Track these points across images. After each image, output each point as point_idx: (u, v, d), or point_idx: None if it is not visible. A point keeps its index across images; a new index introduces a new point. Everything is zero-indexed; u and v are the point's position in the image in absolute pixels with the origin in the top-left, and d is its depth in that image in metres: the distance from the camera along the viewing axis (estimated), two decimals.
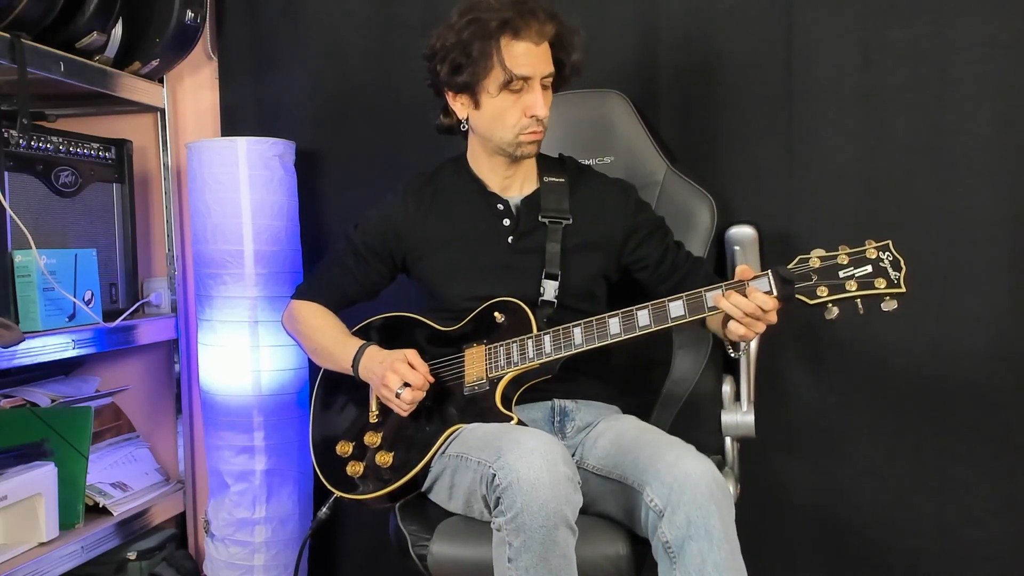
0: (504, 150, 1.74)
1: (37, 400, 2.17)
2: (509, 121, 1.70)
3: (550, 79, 1.71)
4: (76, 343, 2.00)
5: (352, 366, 1.73)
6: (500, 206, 1.80)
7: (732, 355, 1.70)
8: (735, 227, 1.97)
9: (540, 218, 1.78)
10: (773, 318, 1.52)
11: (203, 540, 2.35)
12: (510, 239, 1.79)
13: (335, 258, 1.88)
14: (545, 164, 1.85)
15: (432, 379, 1.68)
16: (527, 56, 1.66)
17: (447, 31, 1.70)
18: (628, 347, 1.62)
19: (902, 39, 2.03)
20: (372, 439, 1.71)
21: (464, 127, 1.78)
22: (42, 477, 1.93)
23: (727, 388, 1.93)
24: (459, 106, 1.75)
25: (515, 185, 1.82)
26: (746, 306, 1.50)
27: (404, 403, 1.64)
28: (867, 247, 1.47)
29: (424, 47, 1.75)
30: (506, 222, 1.80)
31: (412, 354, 1.67)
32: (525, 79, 1.67)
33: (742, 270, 1.55)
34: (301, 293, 1.89)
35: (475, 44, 1.66)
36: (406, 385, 1.64)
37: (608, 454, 1.61)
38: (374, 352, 1.72)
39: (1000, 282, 2.01)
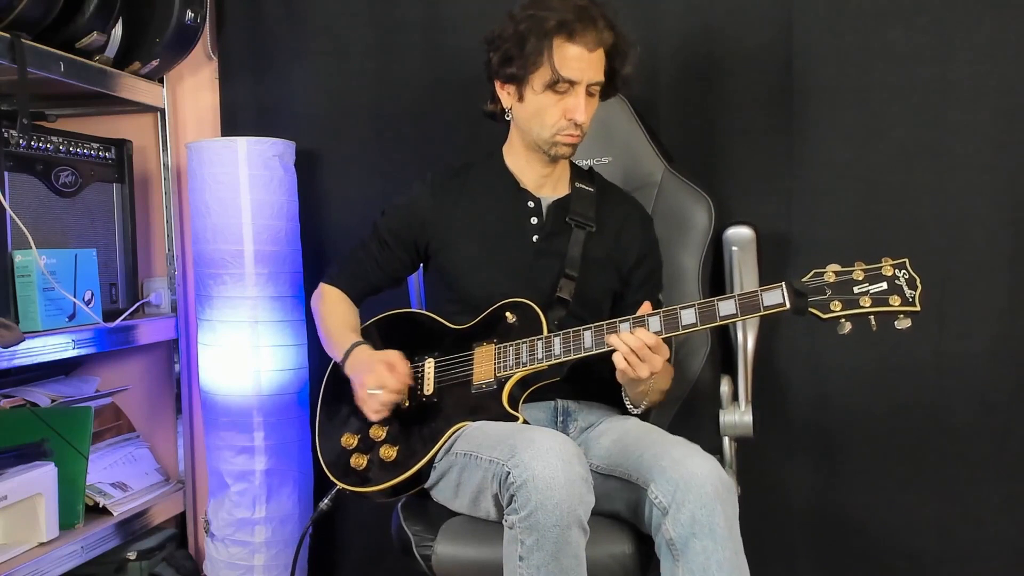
0: (540, 147, 1.76)
1: (37, 400, 2.17)
2: (548, 120, 1.71)
3: (598, 87, 1.71)
4: (76, 343, 2.00)
5: (342, 362, 1.76)
6: (531, 203, 1.82)
7: (632, 411, 1.72)
8: (733, 228, 1.98)
9: (567, 220, 1.79)
10: (657, 364, 1.54)
11: (203, 540, 2.35)
12: (535, 238, 1.80)
13: (362, 244, 1.90)
14: (577, 172, 1.88)
15: (410, 382, 1.69)
16: (578, 61, 1.66)
17: (508, 22, 1.71)
18: None
19: (902, 39, 2.03)
20: (377, 433, 1.72)
21: (508, 116, 1.80)
22: (42, 477, 1.93)
23: (725, 388, 1.93)
24: (505, 95, 1.77)
25: (548, 185, 1.83)
26: (632, 342, 1.53)
27: (377, 403, 1.66)
28: (883, 264, 1.47)
29: (486, 35, 1.76)
30: (534, 220, 1.81)
31: (396, 356, 1.69)
32: (571, 82, 1.67)
33: (644, 307, 1.58)
34: (329, 277, 1.92)
35: (530, 39, 1.66)
36: (381, 388, 1.65)
37: (611, 453, 1.62)
38: (360, 352, 1.74)
39: (1000, 282, 2.01)
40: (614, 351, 1.58)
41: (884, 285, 1.46)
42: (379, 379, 1.65)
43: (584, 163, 1.99)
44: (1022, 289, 2.00)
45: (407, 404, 1.71)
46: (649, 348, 1.53)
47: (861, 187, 2.07)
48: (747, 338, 1.94)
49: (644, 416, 1.78)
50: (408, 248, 1.86)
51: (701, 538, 1.42)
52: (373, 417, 1.70)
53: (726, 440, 1.91)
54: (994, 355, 2.02)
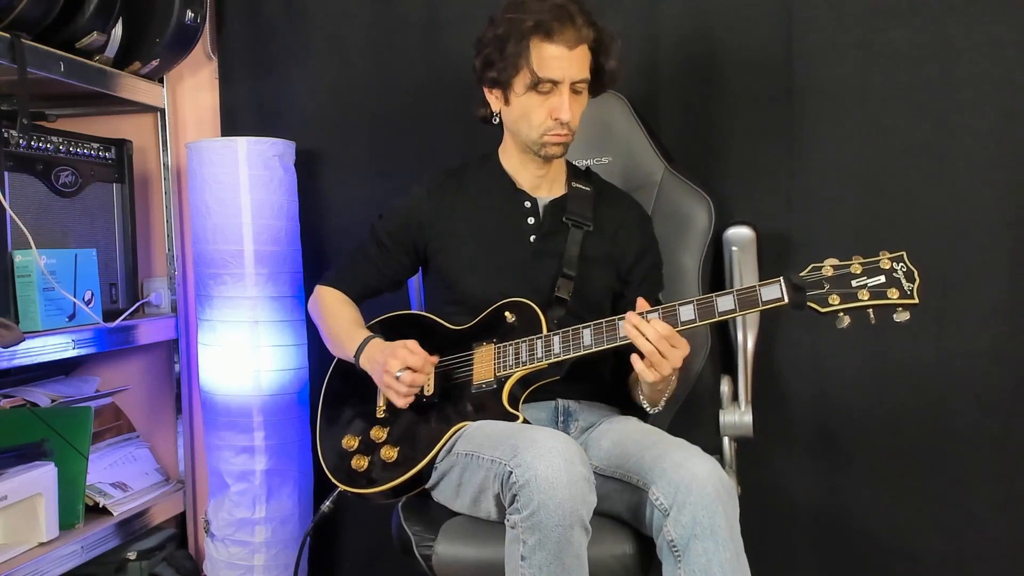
0: (530, 148, 1.76)
1: (37, 400, 2.17)
2: (535, 121, 1.71)
3: (584, 84, 1.71)
4: (76, 343, 2.00)
5: (355, 356, 1.75)
6: (528, 204, 1.82)
7: (650, 411, 1.71)
8: (733, 228, 1.98)
9: (564, 219, 1.79)
10: (678, 360, 1.52)
11: (203, 540, 2.35)
12: (532, 238, 1.80)
13: (360, 247, 1.90)
14: (573, 171, 1.88)
15: (434, 360, 1.68)
16: (558, 60, 1.66)
17: (488, 26, 1.71)
18: (629, 348, 1.62)
19: (902, 39, 2.03)
20: (378, 434, 1.72)
21: (496, 120, 1.80)
22: (42, 477, 1.93)
23: (725, 388, 1.93)
24: (493, 99, 1.77)
25: (544, 186, 1.84)
26: (651, 333, 1.51)
27: (404, 385, 1.64)
28: (881, 257, 1.47)
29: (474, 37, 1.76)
30: (531, 221, 1.81)
31: (412, 342, 1.68)
32: (553, 82, 1.67)
33: (640, 303, 1.57)
34: (327, 280, 1.91)
35: (509, 42, 1.66)
36: (407, 369, 1.64)
37: (612, 454, 1.62)
38: (376, 343, 1.74)
39: (1000, 282, 2.01)
40: (613, 349, 1.58)
41: (882, 278, 1.46)
42: (403, 360, 1.64)
43: (583, 163, 2.00)
44: (1022, 289, 2.00)
45: (431, 391, 1.70)
46: (668, 341, 1.52)
47: (861, 187, 2.07)
48: (747, 338, 1.94)
49: (644, 417, 1.78)
50: (407, 250, 1.86)
51: (702, 539, 1.42)
52: (400, 402, 1.68)
53: (726, 440, 1.91)
54: (994, 355, 2.02)
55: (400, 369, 1.64)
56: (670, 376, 1.56)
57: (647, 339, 1.52)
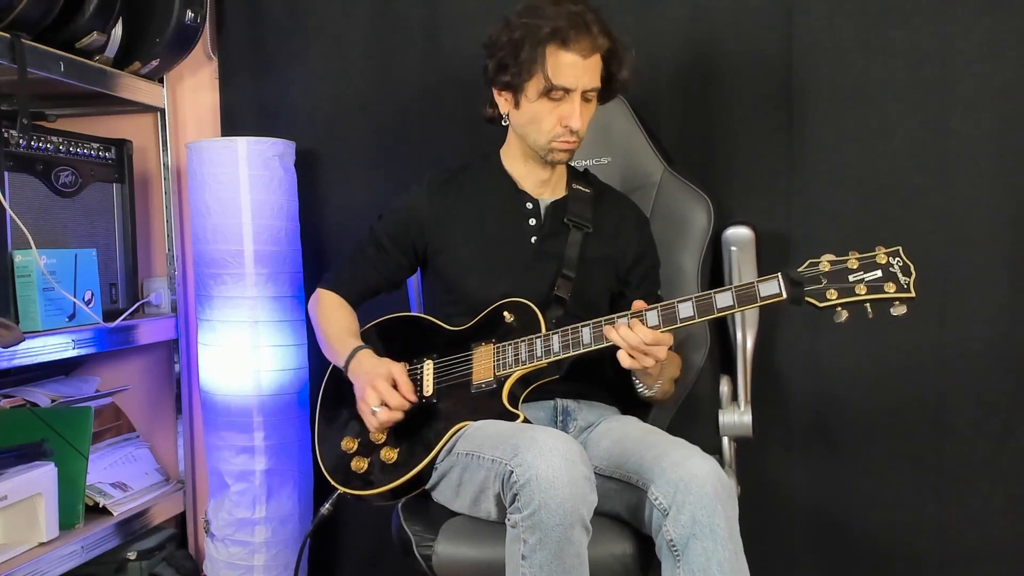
0: (537, 153, 1.76)
1: (37, 400, 2.17)
2: (544, 127, 1.72)
3: (594, 93, 1.72)
4: (76, 343, 2.00)
5: (344, 365, 1.76)
6: (529, 205, 1.82)
7: (647, 393, 1.73)
8: (732, 228, 1.98)
9: (565, 221, 1.80)
10: (661, 354, 1.55)
11: (203, 540, 2.36)
12: (533, 239, 1.80)
13: (359, 248, 1.90)
14: (573, 174, 1.89)
15: (414, 399, 1.68)
16: (572, 68, 1.66)
17: (503, 29, 1.71)
18: None
19: (902, 39, 2.03)
20: (377, 435, 1.72)
21: (505, 122, 1.80)
22: (42, 477, 1.93)
23: (724, 388, 1.93)
24: (502, 101, 1.77)
25: (547, 189, 1.84)
26: (631, 339, 1.54)
27: (377, 422, 1.66)
28: (877, 252, 1.48)
29: (484, 36, 1.76)
30: (532, 222, 1.81)
31: (398, 371, 1.68)
32: (566, 90, 1.67)
33: (637, 304, 1.59)
34: (326, 282, 1.91)
35: (524, 47, 1.66)
36: (384, 404, 1.65)
37: (611, 454, 1.62)
38: (364, 357, 1.74)
39: (1000, 282, 2.01)
40: (615, 347, 1.58)
41: (879, 273, 1.47)
42: (382, 396, 1.66)
43: (582, 164, 2.00)
44: (1022, 289, 2.00)
45: (429, 392, 1.71)
46: (648, 343, 1.54)
47: (861, 187, 2.07)
48: (746, 338, 1.95)
49: (644, 416, 1.78)
50: (406, 251, 1.86)
51: (701, 539, 1.42)
52: (374, 430, 1.70)
53: (725, 440, 1.91)
54: (994, 355, 2.02)
55: (377, 405, 1.65)
56: (656, 366, 1.58)
57: (630, 344, 1.55)
